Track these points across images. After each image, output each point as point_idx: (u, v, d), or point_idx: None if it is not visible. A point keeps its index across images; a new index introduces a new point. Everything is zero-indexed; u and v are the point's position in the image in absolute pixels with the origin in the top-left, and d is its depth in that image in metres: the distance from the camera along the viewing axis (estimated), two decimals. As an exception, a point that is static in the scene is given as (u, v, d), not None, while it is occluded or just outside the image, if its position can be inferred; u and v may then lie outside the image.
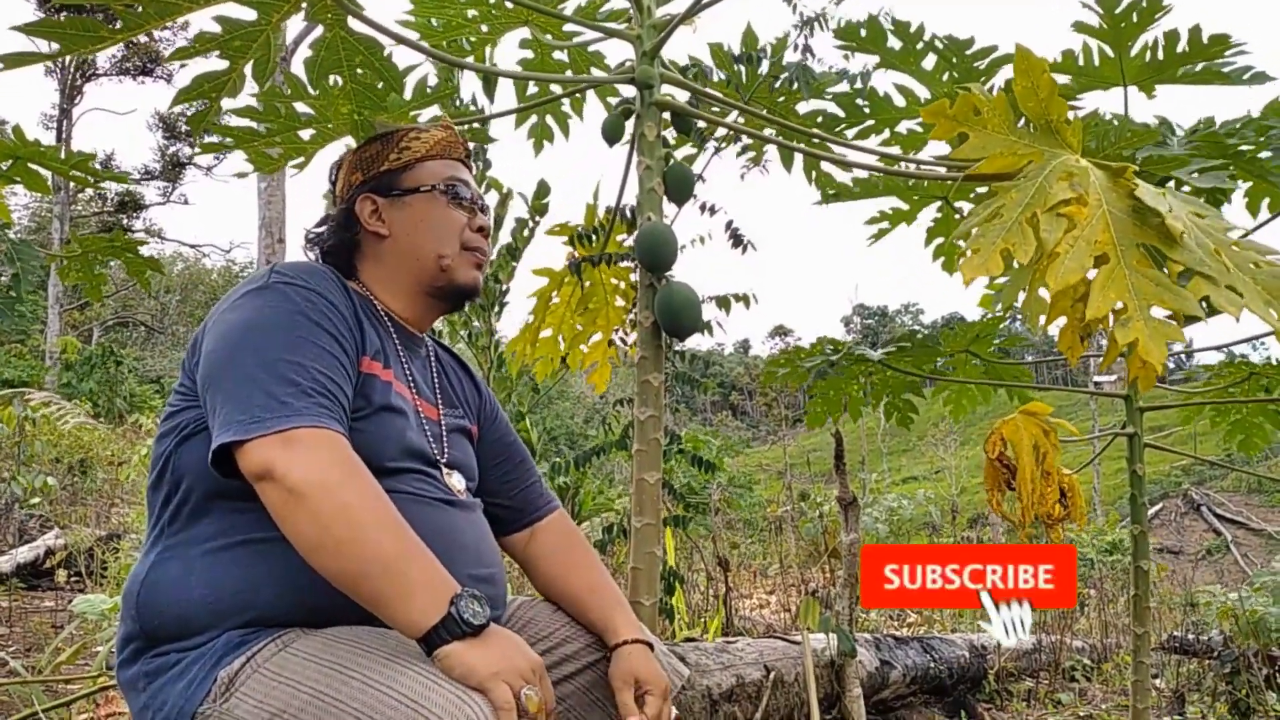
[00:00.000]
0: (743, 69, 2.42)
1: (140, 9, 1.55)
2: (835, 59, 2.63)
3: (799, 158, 2.57)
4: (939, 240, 2.67)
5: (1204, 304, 1.27)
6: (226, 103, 1.72)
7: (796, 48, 2.38)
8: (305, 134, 1.77)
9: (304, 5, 1.65)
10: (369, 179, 1.48)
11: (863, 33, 2.15)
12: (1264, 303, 1.24)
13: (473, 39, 2.24)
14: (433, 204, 1.47)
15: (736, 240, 2.63)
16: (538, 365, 2.82)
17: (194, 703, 1.14)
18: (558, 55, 2.44)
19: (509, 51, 2.43)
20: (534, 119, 2.52)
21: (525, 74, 2.46)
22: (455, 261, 1.47)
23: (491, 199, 4.09)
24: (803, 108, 2.47)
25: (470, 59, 2.37)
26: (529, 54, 2.41)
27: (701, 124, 2.50)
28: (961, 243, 1.36)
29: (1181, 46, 2.04)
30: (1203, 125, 2.04)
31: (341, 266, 1.47)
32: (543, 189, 3.88)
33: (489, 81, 2.54)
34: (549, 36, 2.36)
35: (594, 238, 2.67)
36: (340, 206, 1.49)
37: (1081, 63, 2.13)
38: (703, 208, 2.60)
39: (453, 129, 1.55)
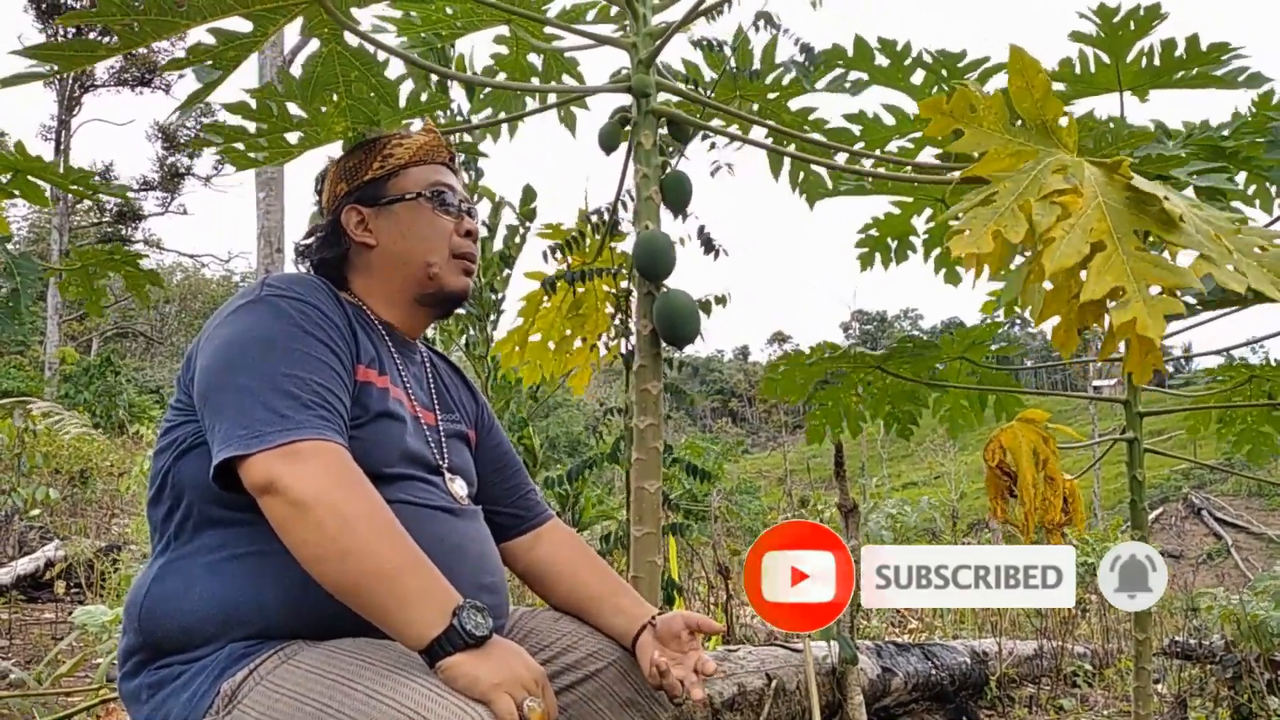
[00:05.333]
0: (732, 61, 2.41)
1: (138, 27, 1.56)
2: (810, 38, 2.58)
3: (786, 166, 2.56)
4: (937, 251, 2.67)
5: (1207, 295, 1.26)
6: (221, 96, 1.74)
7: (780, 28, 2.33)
8: (292, 137, 1.77)
9: (300, 18, 1.66)
10: (353, 189, 1.47)
11: (850, 52, 2.17)
12: (1270, 282, 1.23)
13: (444, 33, 2.25)
14: (419, 211, 1.46)
15: (708, 246, 2.60)
16: (523, 370, 2.78)
17: (197, 715, 1.14)
18: (531, 58, 2.44)
19: (484, 48, 2.42)
20: (488, 111, 2.52)
21: (520, 85, 2.47)
22: (444, 269, 1.46)
23: (484, 208, 4.10)
24: (795, 104, 2.48)
25: (453, 66, 2.38)
26: (503, 50, 2.41)
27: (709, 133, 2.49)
28: (953, 225, 1.35)
29: (1179, 53, 2.05)
30: (1198, 129, 2.05)
31: (332, 278, 1.46)
32: (529, 195, 3.87)
33: (472, 91, 2.54)
34: (532, 39, 2.36)
35: (583, 242, 2.66)
36: (327, 218, 1.49)
37: (1078, 70, 2.14)
38: (675, 212, 2.57)
39: (436, 133, 1.54)
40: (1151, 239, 1.34)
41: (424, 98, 1.78)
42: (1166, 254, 1.33)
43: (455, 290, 1.48)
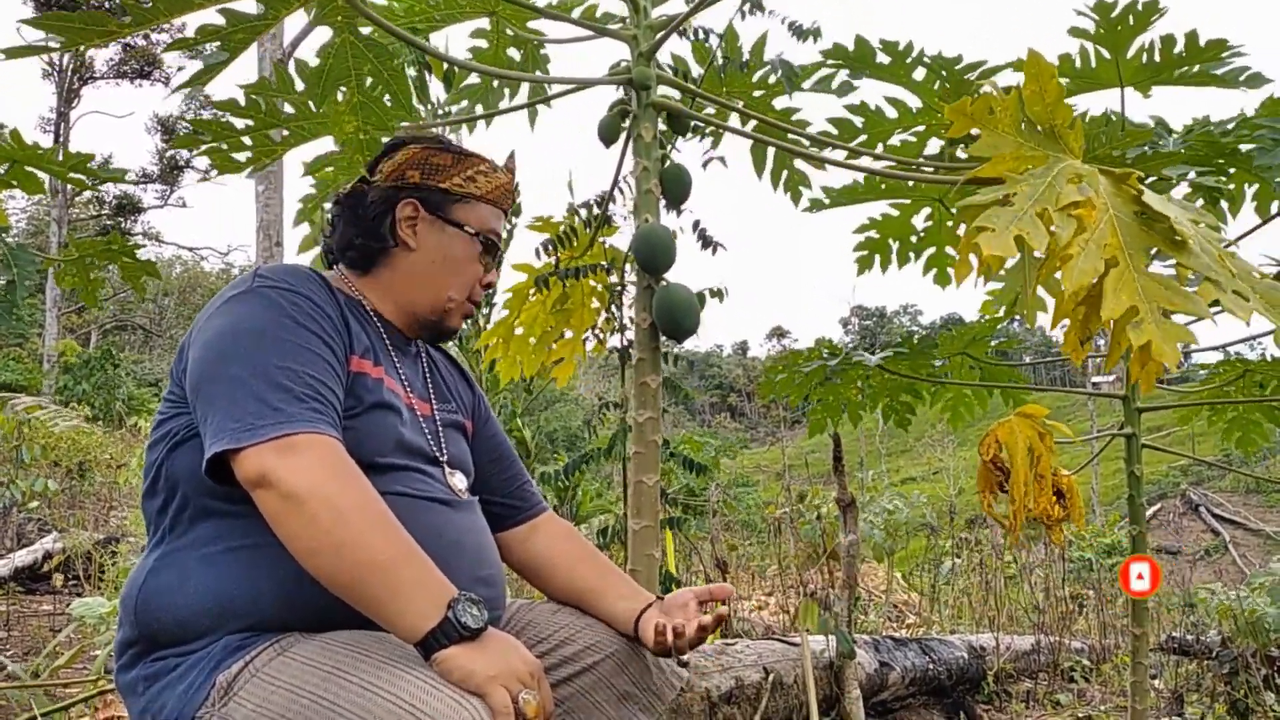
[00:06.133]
0: (720, 60, 2.40)
1: (150, 3, 1.53)
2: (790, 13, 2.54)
3: (769, 162, 2.53)
4: (930, 250, 2.66)
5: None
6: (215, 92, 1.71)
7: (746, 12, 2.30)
8: (277, 135, 1.74)
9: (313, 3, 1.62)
10: (424, 186, 1.45)
11: (851, 51, 2.16)
12: (1270, 309, 1.24)
13: (420, 26, 2.22)
14: (468, 248, 1.47)
15: (705, 241, 2.59)
16: (501, 365, 2.75)
17: (192, 707, 1.14)
18: (510, 52, 2.43)
19: (463, 41, 2.40)
20: (464, 103, 2.50)
21: (522, 75, 2.46)
22: (455, 308, 1.49)
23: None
24: (778, 103, 2.46)
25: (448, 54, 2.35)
26: (482, 43, 2.39)
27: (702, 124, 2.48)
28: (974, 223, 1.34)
29: (1178, 49, 2.04)
30: (1198, 125, 2.04)
31: (357, 259, 1.46)
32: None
33: (448, 81, 2.52)
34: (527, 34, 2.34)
35: (574, 237, 2.64)
36: (383, 188, 1.46)
37: (1079, 65, 2.13)
38: (673, 205, 2.55)
39: (513, 176, 1.56)
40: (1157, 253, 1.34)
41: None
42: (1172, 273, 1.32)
43: (451, 329, 1.51)
